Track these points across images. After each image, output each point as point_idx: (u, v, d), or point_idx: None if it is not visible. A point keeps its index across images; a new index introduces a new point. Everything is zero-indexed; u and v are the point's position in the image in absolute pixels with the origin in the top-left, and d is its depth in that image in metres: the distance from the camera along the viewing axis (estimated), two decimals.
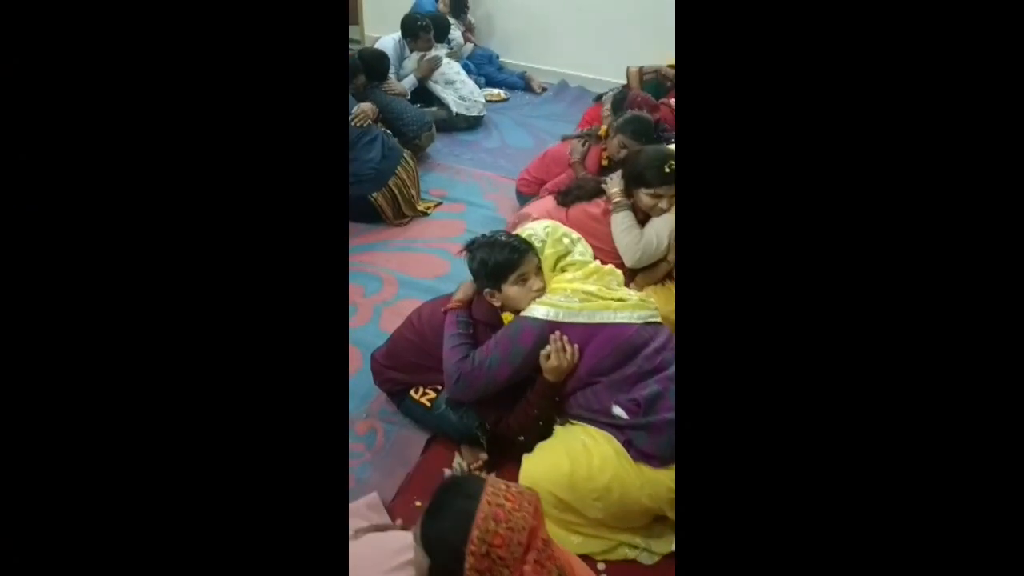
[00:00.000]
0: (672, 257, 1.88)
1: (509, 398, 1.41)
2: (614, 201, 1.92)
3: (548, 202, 2.11)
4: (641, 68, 2.94)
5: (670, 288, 1.90)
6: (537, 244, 1.43)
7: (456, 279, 2.29)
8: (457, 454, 1.56)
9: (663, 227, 1.86)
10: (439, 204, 2.78)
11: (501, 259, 1.37)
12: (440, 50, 3.62)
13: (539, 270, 1.41)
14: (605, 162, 2.44)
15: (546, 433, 1.48)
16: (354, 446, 1.59)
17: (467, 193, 2.92)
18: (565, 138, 2.65)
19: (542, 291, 1.40)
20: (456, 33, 4.02)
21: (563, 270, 1.42)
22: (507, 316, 1.44)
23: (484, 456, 1.52)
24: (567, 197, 2.02)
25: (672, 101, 2.70)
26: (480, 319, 1.45)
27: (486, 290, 1.42)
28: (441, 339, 1.47)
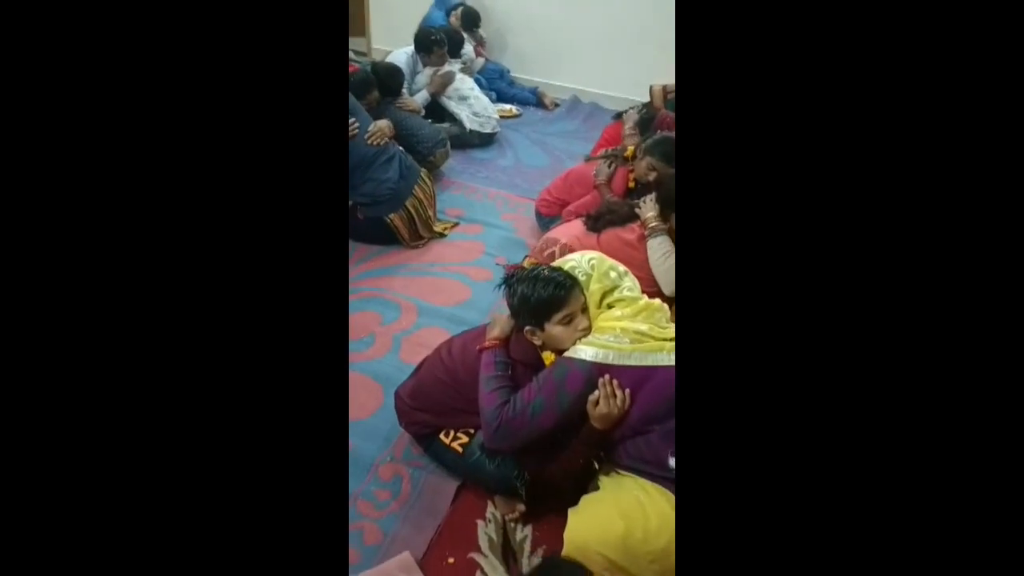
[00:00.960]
0: None
1: (551, 445, 1.30)
2: (649, 226, 1.82)
3: (576, 226, 2.01)
4: (665, 86, 2.85)
5: None
6: (582, 278, 1.32)
7: (477, 306, 2.19)
8: (491, 503, 1.45)
9: None
10: (456, 225, 2.68)
11: (545, 296, 1.26)
12: (453, 65, 3.54)
13: (585, 308, 1.30)
14: (631, 184, 2.35)
15: (586, 480, 1.37)
16: (379, 493, 1.47)
17: (484, 213, 2.82)
18: (589, 159, 2.56)
19: (588, 330, 1.29)
20: (468, 48, 3.95)
21: (609, 306, 1.32)
22: (548, 356, 1.33)
23: (521, 507, 1.40)
24: (598, 222, 1.93)
25: None
26: (519, 358, 1.34)
27: (527, 328, 1.31)
28: (475, 379, 1.36)
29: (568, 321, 1.27)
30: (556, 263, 1.39)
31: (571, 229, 2.01)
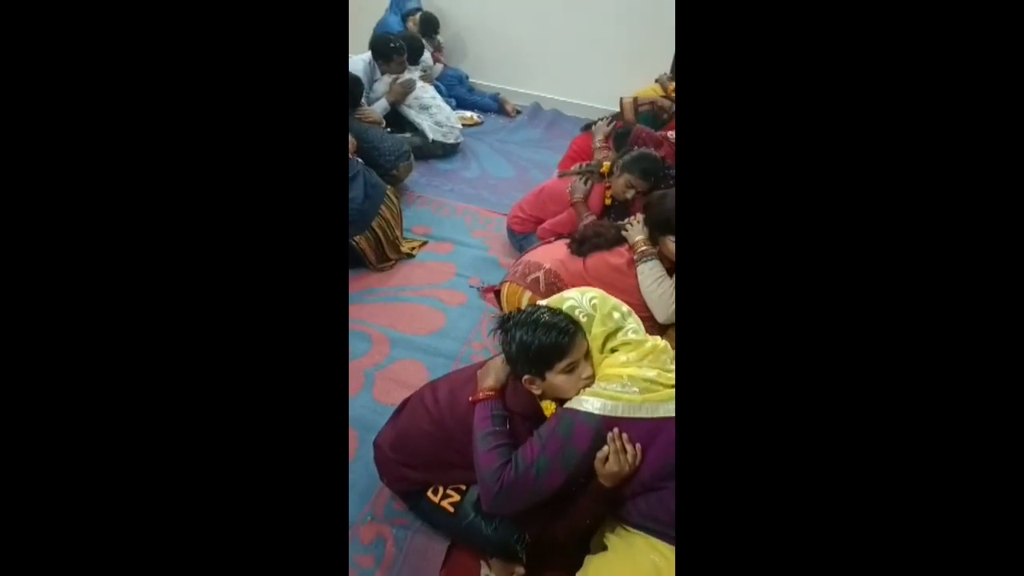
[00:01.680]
0: None
1: (555, 505, 1.19)
2: (639, 250, 1.74)
3: (559, 249, 1.90)
4: (635, 99, 2.79)
5: None
6: (583, 319, 1.21)
7: (453, 334, 2.06)
8: (485, 565, 1.32)
9: None
10: (424, 244, 2.54)
11: (548, 343, 1.14)
12: (413, 72, 3.38)
13: (588, 353, 1.20)
14: (608, 201, 2.27)
15: (587, 536, 1.26)
16: (361, 560, 1.32)
17: (453, 230, 2.68)
18: (562, 174, 2.46)
19: (592, 378, 1.19)
20: (426, 54, 3.80)
21: (613, 350, 1.21)
22: (548, 405, 1.22)
23: (520, 570, 1.28)
24: (583, 246, 1.83)
25: (671, 134, 2.56)
26: (516, 410, 1.22)
27: (525, 377, 1.19)
28: (466, 432, 1.23)
29: (571, 369, 1.16)
30: (552, 301, 1.28)
31: (554, 252, 1.90)
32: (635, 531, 1.18)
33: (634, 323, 1.25)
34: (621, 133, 2.44)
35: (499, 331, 1.23)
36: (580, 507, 1.18)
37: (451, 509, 1.28)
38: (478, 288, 2.25)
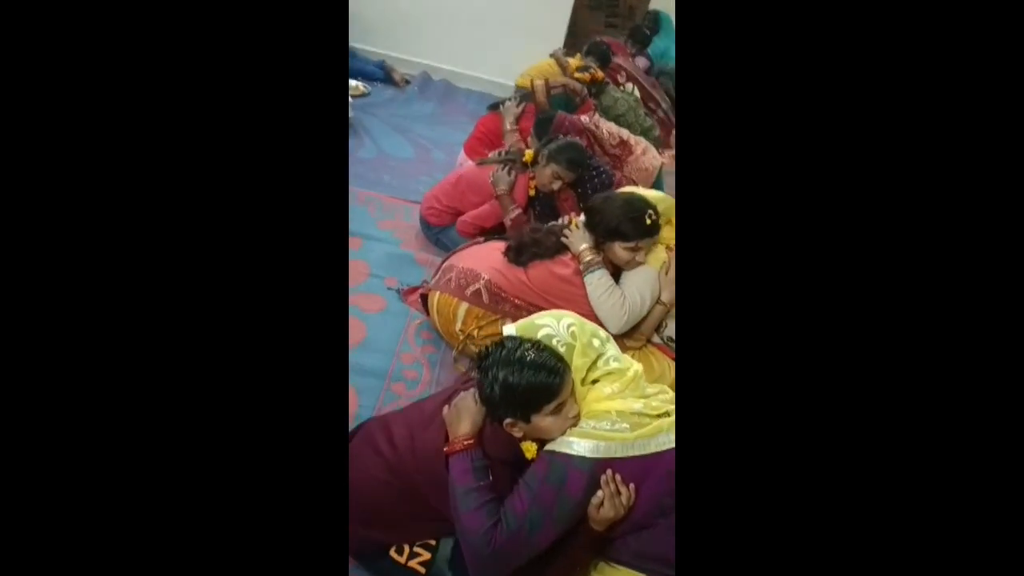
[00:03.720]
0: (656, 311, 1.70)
1: (544, 556, 1.09)
2: (585, 260, 1.65)
3: (492, 254, 1.76)
4: (547, 81, 2.68)
5: (650, 351, 1.72)
6: (561, 349, 1.11)
7: (377, 345, 1.85)
8: None
9: (643, 283, 1.65)
10: None
11: (536, 383, 1.02)
12: None
13: (572, 389, 1.10)
14: (532, 192, 2.17)
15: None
16: None
17: (357, 222, 2.41)
18: (482, 162, 2.30)
19: (578, 416, 1.09)
20: None
21: (594, 381, 1.13)
22: (528, 447, 1.11)
23: None
24: (521, 255, 1.70)
25: (585, 118, 2.49)
26: (496, 456, 1.10)
27: (507, 420, 1.07)
28: (434, 479, 1.10)
29: (559, 410, 1.06)
30: (523, 327, 1.15)
31: (487, 258, 1.75)
32: (622, 568, 1.12)
33: (613, 349, 1.17)
34: (543, 120, 2.32)
35: (477, 369, 1.08)
36: (569, 556, 1.09)
37: (422, 570, 1.14)
38: (397, 291, 2.05)
